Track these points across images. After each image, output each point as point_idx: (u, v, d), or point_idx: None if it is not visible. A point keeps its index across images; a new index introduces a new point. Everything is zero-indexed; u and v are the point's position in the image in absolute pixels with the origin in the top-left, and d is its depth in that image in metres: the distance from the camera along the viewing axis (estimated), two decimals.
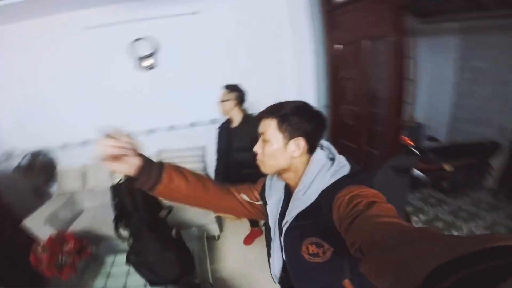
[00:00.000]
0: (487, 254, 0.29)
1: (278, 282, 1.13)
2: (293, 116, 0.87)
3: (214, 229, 2.82)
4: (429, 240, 0.41)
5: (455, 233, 2.76)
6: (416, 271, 0.34)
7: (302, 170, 0.90)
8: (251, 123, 2.13)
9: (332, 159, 0.90)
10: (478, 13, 3.13)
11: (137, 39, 2.98)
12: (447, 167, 3.10)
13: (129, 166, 0.82)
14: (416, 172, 3.08)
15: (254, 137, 2.01)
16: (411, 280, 0.34)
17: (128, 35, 2.99)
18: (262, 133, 0.91)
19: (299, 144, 0.88)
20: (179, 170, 0.96)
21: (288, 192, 0.99)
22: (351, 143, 3.05)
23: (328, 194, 0.81)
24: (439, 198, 3.41)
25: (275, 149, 0.88)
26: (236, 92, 2.26)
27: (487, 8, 3.01)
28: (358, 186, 0.77)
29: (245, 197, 1.09)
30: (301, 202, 0.85)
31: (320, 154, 0.90)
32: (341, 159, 0.89)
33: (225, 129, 2.41)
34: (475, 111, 3.66)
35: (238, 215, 1.19)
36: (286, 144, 0.88)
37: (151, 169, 0.88)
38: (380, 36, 2.38)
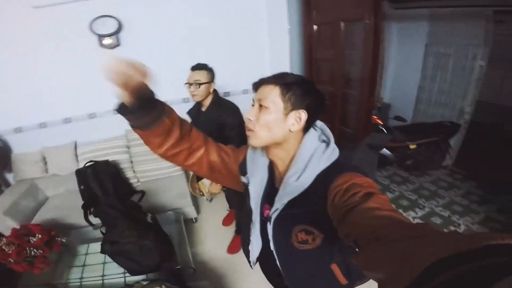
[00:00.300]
0: (485, 252, 0.29)
1: (260, 266, 1.12)
2: (299, 87, 0.81)
3: (191, 211, 2.74)
4: (427, 236, 0.41)
5: (418, 211, 2.96)
6: (412, 267, 0.33)
7: (293, 151, 0.85)
8: (220, 106, 2.01)
9: (324, 141, 0.86)
10: (447, 1, 3.23)
11: (97, 18, 2.75)
12: (411, 145, 3.28)
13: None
14: (384, 150, 3.22)
15: (221, 124, 1.91)
16: (406, 275, 0.34)
17: (86, 13, 2.74)
18: (260, 100, 0.83)
19: (300, 117, 0.81)
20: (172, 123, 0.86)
21: (272, 171, 0.94)
22: (325, 122, 3.10)
23: (323, 181, 0.78)
24: (403, 177, 3.61)
25: (273, 118, 0.81)
26: (210, 73, 1.98)
27: None
28: (353, 173, 0.75)
29: (244, 180, 0.99)
30: (293, 188, 0.81)
31: (312, 135, 0.86)
32: (332, 141, 0.86)
33: (191, 112, 2.15)
34: (437, 94, 3.87)
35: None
36: (286, 115, 0.81)
37: (150, 109, 0.80)
38: (357, 18, 2.39)
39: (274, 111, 0.80)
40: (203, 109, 2.06)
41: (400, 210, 2.94)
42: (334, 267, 0.87)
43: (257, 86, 0.86)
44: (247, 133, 0.85)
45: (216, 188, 2.01)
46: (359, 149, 0.97)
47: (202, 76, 1.91)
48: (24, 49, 2.75)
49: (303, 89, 0.82)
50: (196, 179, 2.10)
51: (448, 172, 3.63)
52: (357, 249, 0.57)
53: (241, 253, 2.41)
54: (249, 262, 1.08)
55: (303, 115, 0.81)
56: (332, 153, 0.83)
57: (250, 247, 1.02)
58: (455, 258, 0.30)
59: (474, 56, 3.33)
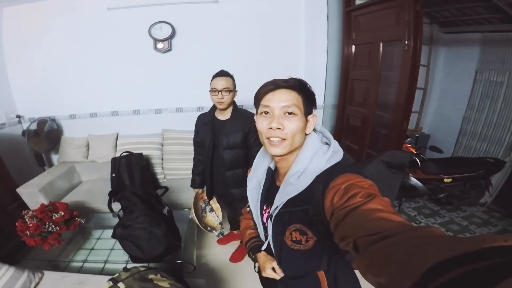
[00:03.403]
0: (487, 254, 0.27)
1: (257, 271, 1.08)
2: (309, 91, 0.81)
3: None
4: (430, 238, 0.39)
5: None
6: (414, 268, 0.31)
7: (295, 152, 0.82)
8: (242, 114, 1.88)
9: (326, 143, 0.83)
10: (502, 25, 2.88)
11: (156, 23, 2.87)
12: (446, 179, 2.91)
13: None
14: (414, 180, 2.89)
15: (247, 132, 1.78)
16: (408, 277, 0.32)
17: (147, 18, 2.88)
18: (284, 107, 0.77)
19: (313, 121, 0.82)
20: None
21: (270, 174, 0.94)
22: (353, 144, 2.88)
23: (322, 180, 0.74)
24: (433, 210, 3.25)
25: (302, 125, 0.78)
26: (234, 80, 1.83)
27: None
28: (353, 174, 0.70)
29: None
30: (293, 187, 0.77)
31: (314, 137, 0.83)
32: (335, 144, 0.82)
33: (209, 123, 1.91)
34: (483, 126, 3.43)
35: None
36: (307, 120, 0.81)
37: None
38: (396, 39, 2.19)
39: (301, 117, 0.78)
40: (222, 118, 1.88)
41: None
42: (321, 275, 0.81)
43: (271, 90, 0.80)
44: (274, 141, 0.79)
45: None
46: (371, 163, 0.86)
47: (229, 83, 1.77)
48: (90, 46, 2.95)
49: (312, 93, 0.82)
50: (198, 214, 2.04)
51: (486, 209, 3.22)
52: (354, 255, 0.53)
53: (243, 262, 2.34)
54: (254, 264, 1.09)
55: (314, 118, 0.83)
56: (335, 155, 0.80)
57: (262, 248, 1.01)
58: (458, 259, 0.28)
59: None
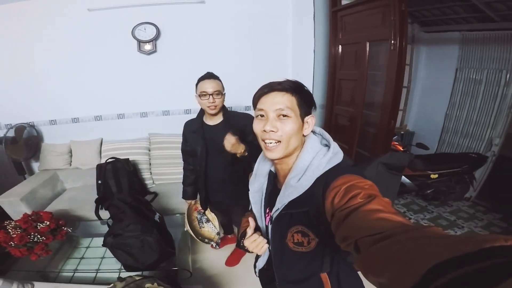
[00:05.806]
0: (488, 254, 0.27)
1: (258, 275, 1.10)
2: (306, 93, 0.82)
3: None
4: (431, 238, 0.39)
5: None
6: (414, 268, 0.32)
7: (297, 154, 0.83)
8: (234, 115, 1.81)
9: (326, 145, 0.84)
10: (479, 24, 3.03)
11: (139, 24, 2.83)
12: (433, 175, 3.02)
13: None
14: (402, 177, 2.98)
15: (243, 130, 1.72)
16: (409, 277, 0.32)
17: (130, 19, 2.82)
18: (278, 110, 0.78)
19: (311, 122, 0.83)
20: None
21: (272, 177, 0.95)
22: (343, 144, 2.94)
23: (323, 182, 0.74)
24: (421, 205, 3.36)
25: (297, 127, 0.79)
26: (221, 82, 1.73)
27: (491, 21, 2.92)
28: (353, 175, 0.71)
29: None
30: (294, 189, 0.78)
31: (313, 139, 0.83)
32: (335, 146, 0.82)
33: (199, 130, 1.79)
34: (464, 123, 3.58)
35: None
36: (303, 122, 0.81)
37: None
38: (382, 39, 2.25)
39: (295, 119, 0.79)
40: (212, 123, 1.77)
41: None
42: (324, 277, 0.82)
43: (265, 93, 0.82)
44: (270, 146, 0.80)
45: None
46: (371, 167, 0.89)
47: (219, 85, 1.68)
48: (70, 48, 2.86)
49: (309, 95, 0.83)
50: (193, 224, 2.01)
51: (471, 204, 3.37)
52: (355, 255, 0.53)
53: (239, 265, 2.35)
54: (255, 267, 1.09)
55: (312, 119, 0.83)
56: (335, 156, 0.79)
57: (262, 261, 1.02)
58: (459, 260, 0.28)
59: (508, 83, 3.04)
